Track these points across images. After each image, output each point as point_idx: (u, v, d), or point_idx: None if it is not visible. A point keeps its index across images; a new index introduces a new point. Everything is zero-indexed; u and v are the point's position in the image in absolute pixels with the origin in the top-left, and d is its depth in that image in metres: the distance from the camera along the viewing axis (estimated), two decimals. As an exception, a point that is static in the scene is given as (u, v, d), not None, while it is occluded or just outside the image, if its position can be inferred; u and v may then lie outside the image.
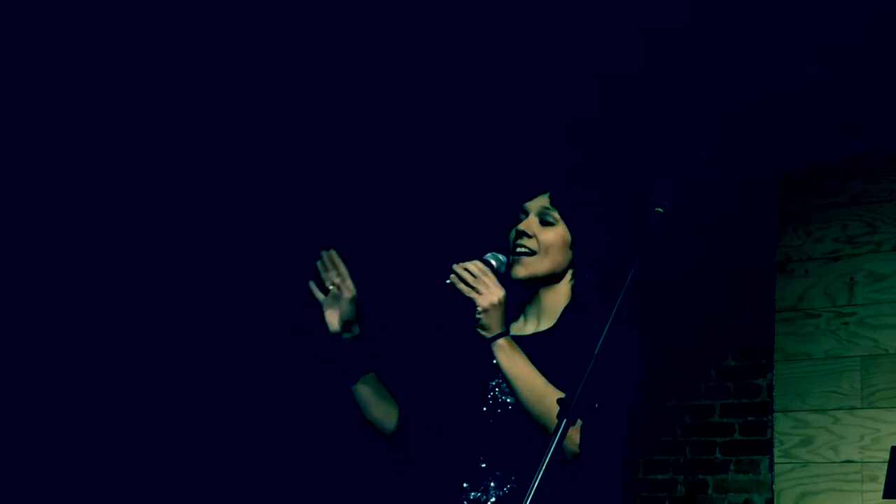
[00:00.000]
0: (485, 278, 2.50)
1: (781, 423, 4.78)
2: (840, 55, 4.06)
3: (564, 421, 2.07)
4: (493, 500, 2.49)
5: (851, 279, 4.70)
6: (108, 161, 4.82)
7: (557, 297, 2.64)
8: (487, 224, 2.95)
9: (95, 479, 5.04)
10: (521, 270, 2.62)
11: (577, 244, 2.62)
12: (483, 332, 2.52)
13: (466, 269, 2.51)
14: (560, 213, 2.62)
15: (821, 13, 3.80)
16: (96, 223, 5.03)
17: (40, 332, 4.91)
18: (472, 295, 2.50)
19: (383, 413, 2.72)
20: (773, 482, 4.78)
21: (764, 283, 4.94)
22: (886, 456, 4.20)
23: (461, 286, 2.51)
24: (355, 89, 4.48)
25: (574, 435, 2.36)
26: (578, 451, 2.38)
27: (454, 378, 2.67)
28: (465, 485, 2.53)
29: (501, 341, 2.51)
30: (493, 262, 2.57)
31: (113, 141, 4.70)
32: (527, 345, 2.59)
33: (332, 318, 2.65)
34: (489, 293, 2.49)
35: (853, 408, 4.60)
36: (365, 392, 2.70)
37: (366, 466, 5.26)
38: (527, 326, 2.68)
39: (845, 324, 4.68)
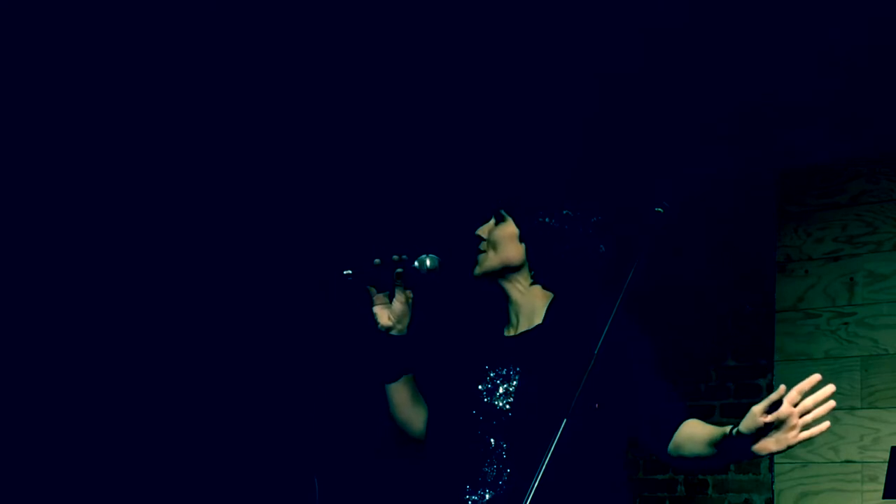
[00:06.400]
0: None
1: (781, 423, 4.78)
2: (840, 55, 4.06)
3: (565, 421, 2.08)
4: (489, 499, 2.49)
5: (851, 279, 4.70)
6: (109, 161, 4.82)
7: (528, 293, 2.65)
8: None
9: (97, 479, 5.04)
10: (477, 269, 2.66)
11: (526, 236, 2.62)
12: None
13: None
14: (506, 211, 2.66)
15: (821, 13, 3.80)
16: (96, 223, 5.03)
17: (40, 332, 4.91)
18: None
19: (413, 415, 2.72)
20: (773, 482, 4.78)
21: (764, 283, 4.94)
22: (886, 456, 4.19)
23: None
24: (353, 90, 4.49)
25: None
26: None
27: (447, 382, 2.67)
28: (466, 487, 2.54)
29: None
30: (416, 264, 2.60)
31: (113, 141, 4.71)
32: (516, 344, 2.61)
33: (383, 314, 2.64)
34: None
35: (853, 408, 4.60)
36: (401, 392, 2.70)
37: (373, 467, 5.26)
38: (509, 329, 2.69)
39: (845, 324, 4.68)
